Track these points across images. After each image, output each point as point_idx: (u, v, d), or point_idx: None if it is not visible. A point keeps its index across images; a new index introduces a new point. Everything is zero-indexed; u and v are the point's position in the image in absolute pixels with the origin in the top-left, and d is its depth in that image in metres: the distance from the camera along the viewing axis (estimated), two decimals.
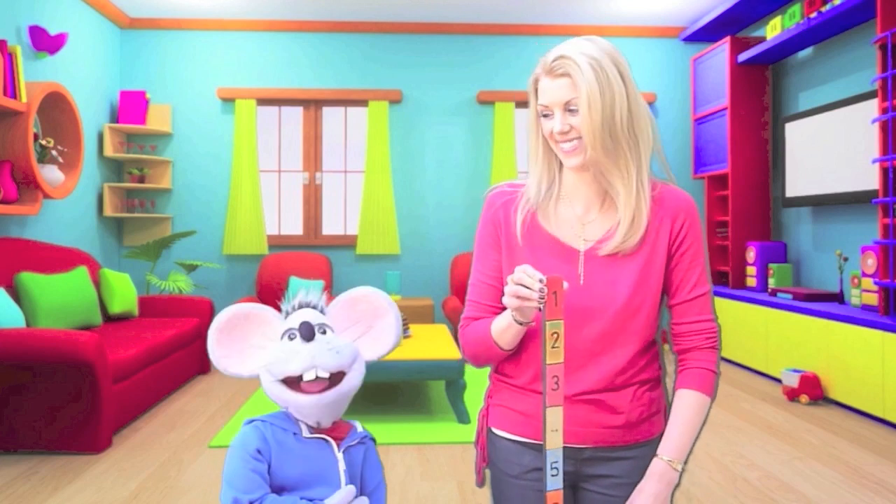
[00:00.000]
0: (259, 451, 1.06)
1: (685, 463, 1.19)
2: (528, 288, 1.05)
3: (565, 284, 1.04)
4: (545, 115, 1.20)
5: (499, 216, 1.28)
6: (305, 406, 1.09)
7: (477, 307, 1.28)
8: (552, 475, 1.05)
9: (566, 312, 1.18)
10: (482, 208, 1.32)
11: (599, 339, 1.19)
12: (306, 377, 1.07)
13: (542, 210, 1.25)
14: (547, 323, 1.03)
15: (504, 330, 1.17)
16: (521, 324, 1.14)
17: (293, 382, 1.09)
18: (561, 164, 1.26)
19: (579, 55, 1.15)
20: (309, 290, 1.19)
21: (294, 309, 1.16)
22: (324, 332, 1.12)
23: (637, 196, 1.19)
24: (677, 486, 1.21)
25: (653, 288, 1.20)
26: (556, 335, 1.04)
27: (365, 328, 1.19)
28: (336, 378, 1.10)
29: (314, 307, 1.16)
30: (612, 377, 1.20)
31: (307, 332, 1.08)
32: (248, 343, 1.16)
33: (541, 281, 1.04)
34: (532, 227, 1.24)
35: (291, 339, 1.10)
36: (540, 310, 1.06)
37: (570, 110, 1.16)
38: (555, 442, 1.05)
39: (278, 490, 1.07)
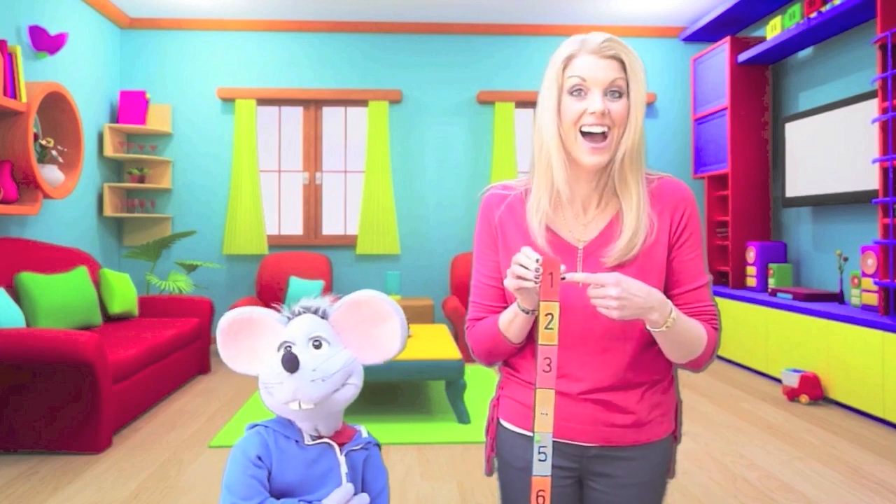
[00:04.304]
0: (259, 458, 1.06)
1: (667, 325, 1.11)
2: (525, 268, 1.06)
3: (563, 268, 1.04)
4: (575, 93, 1.14)
5: (494, 218, 1.27)
6: (297, 420, 1.10)
7: (480, 308, 1.28)
8: (539, 460, 1.02)
9: (569, 308, 1.18)
10: (478, 210, 1.31)
11: (604, 336, 1.18)
12: (291, 407, 1.06)
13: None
14: (541, 303, 1.03)
15: (510, 321, 1.17)
16: (525, 312, 1.14)
17: None
18: (564, 162, 1.20)
19: (627, 46, 1.14)
20: (315, 297, 1.18)
21: (295, 314, 1.14)
22: (318, 346, 1.09)
23: (639, 206, 1.19)
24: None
25: (654, 281, 1.19)
26: (550, 316, 1.03)
27: (368, 333, 1.15)
28: None
29: (315, 312, 1.14)
30: (621, 373, 1.19)
31: (290, 364, 1.03)
32: (256, 343, 1.17)
33: (537, 261, 1.05)
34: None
35: (287, 356, 1.07)
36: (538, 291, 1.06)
37: (612, 92, 1.12)
38: (544, 425, 1.02)
39: (280, 495, 1.07)
